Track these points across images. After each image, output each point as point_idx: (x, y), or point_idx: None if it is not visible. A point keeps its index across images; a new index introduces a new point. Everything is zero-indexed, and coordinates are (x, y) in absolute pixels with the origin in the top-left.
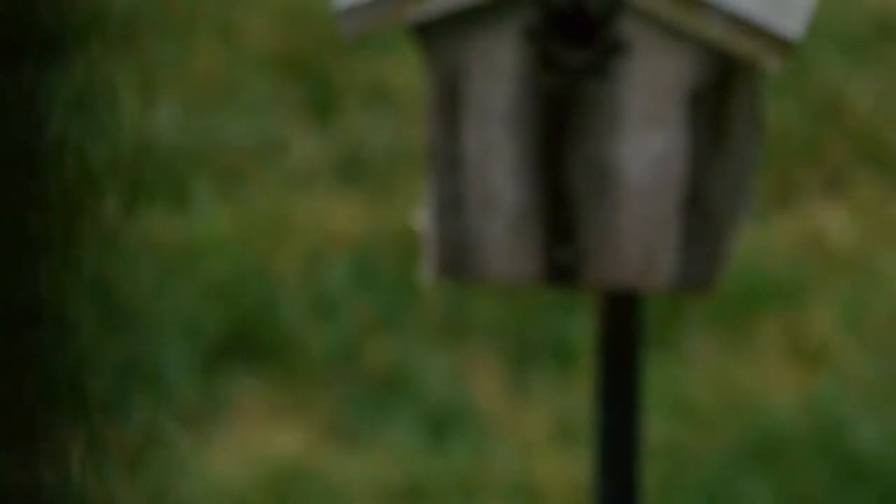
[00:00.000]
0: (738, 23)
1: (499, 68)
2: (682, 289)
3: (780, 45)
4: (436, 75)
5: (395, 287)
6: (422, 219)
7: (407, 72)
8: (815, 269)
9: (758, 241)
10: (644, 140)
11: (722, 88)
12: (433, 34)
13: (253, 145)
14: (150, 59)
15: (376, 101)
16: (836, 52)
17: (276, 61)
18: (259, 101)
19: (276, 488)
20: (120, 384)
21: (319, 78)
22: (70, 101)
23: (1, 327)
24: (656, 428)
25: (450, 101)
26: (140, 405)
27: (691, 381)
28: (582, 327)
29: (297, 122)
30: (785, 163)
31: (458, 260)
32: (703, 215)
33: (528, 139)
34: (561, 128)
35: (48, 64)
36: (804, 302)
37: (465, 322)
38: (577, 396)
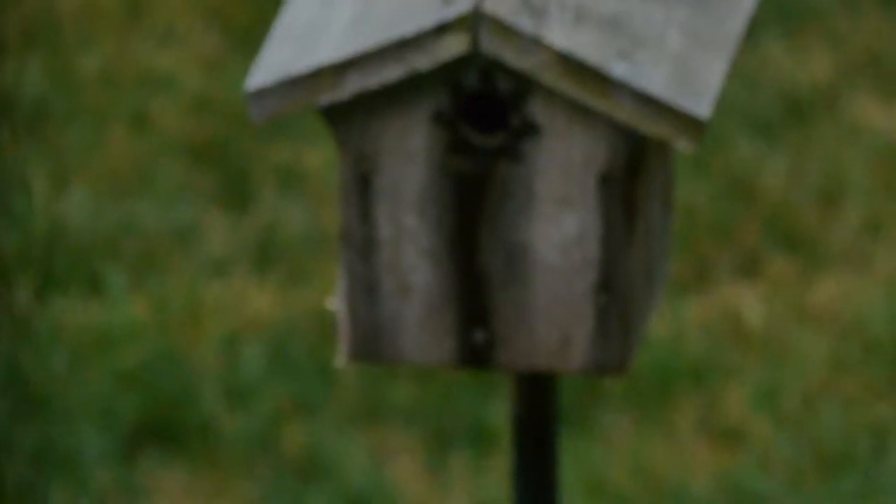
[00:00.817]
0: (647, 103)
1: (410, 152)
2: (597, 371)
3: (690, 125)
4: (348, 159)
5: (312, 371)
6: (337, 303)
7: (320, 156)
8: (729, 348)
9: (672, 321)
10: (556, 222)
11: (633, 169)
12: (344, 118)
13: (167, 231)
14: (61, 146)
15: (290, 186)
16: (747, 132)
17: (188, 148)
18: (172, 187)
19: None
20: (36, 472)
21: (232, 164)
22: None
23: None
24: None
25: (362, 186)
26: (57, 493)
27: (608, 460)
28: (499, 409)
29: (211, 208)
30: (698, 243)
31: (373, 343)
32: (617, 297)
33: (442, 222)
34: (474, 211)
35: None
36: (719, 381)
37: (382, 405)
38: (495, 478)
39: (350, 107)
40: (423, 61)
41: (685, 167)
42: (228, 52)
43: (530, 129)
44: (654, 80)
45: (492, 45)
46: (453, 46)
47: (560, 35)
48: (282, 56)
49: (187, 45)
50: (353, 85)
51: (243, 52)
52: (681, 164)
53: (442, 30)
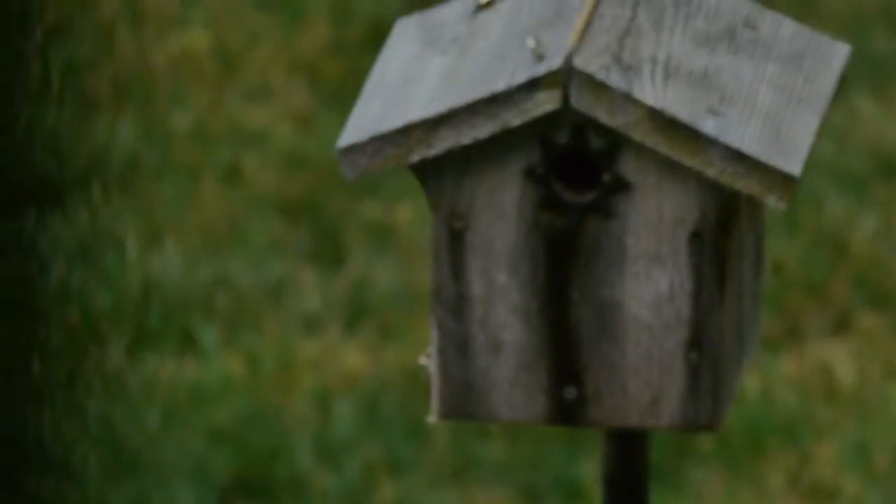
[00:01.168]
0: (738, 159)
1: (502, 208)
2: (688, 428)
3: (781, 181)
4: (440, 216)
5: (403, 428)
6: (428, 360)
7: (411, 212)
8: (820, 405)
9: (764, 378)
10: (648, 279)
11: (724, 226)
12: (436, 174)
13: (259, 287)
14: (154, 202)
15: (381, 243)
16: (837, 188)
17: (280, 204)
18: (264, 243)
19: None
20: None
21: (324, 220)
22: (72, 247)
23: (6, 474)
24: None
25: (454, 242)
26: None
27: None
28: (590, 465)
29: (303, 265)
30: (789, 300)
31: (464, 401)
32: (708, 354)
33: (533, 279)
34: (565, 267)
35: (50, 211)
36: (810, 438)
37: (472, 462)
38: None
39: (442, 163)
40: (514, 118)
41: (776, 224)
42: (320, 107)
43: (621, 186)
44: (745, 136)
45: (583, 102)
46: (545, 103)
47: (651, 91)
48: (373, 112)
49: (279, 101)
50: (445, 141)
51: (335, 107)
52: (772, 221)
53: (533, 86)
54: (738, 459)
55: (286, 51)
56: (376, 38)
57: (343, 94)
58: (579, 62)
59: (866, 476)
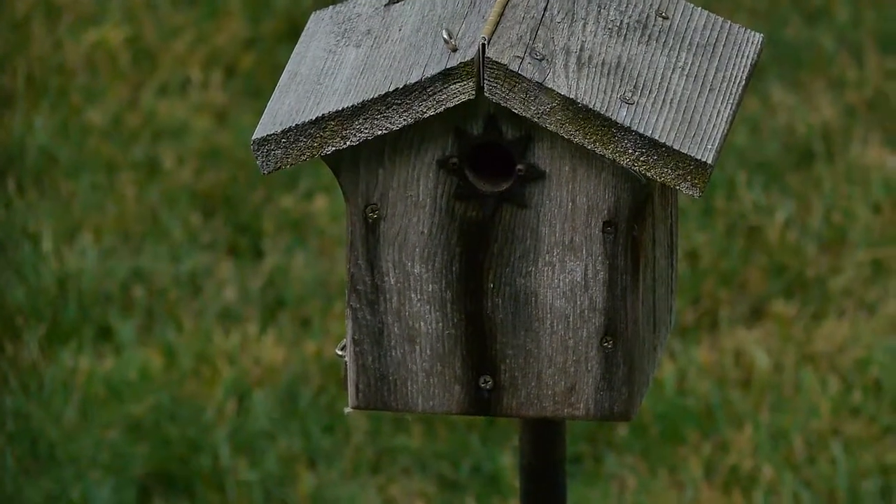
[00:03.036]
0: (651, 147)
1: (416, 199)
2: (603, 417)
3: (695, 169)
4: (354, 207)
5: (321, 419)
6: (344, 351)
7: (329, 203)
8: (736, 392)
9: (679, 366)
10: (562, 268)
11: (637, 215)
12: (350, 166)
13: (176, 281)
14: (69, 197)
15: (299, 235)
16: (752, 177)
17: (197, 197)
18: (181, 236)
19: None
20: None
21: (241, 212)
22: None
23: None
24: None
25: (368, 233)
26: None
27: (615, 503)
28: (508, 455)
29: (220, 257)
30: (704, 288)
31: (380, 392)
32: (622, 342)
33: (447, 270)
34: (479, 258)
35: None
36: (727, 425)
37: (391, 452)
38: None
39: (356, 154)
40: (428, 109)
41: (691, 212)
42: (237, 101)
43: (535, 176)
44: (658, 124)
45: (496, 92)
46: (458, 94)
47: (564, 81)
48: (288, 105)
49: (196, 95)
50: (360, 133)
51: (252, 101)
52: (687, 209)
53: (447, 77)
54: (654, 448)
55: (202, 45)
56: (292, 31)
57: (260, 88)
58: (493, 53)
59: (783, 463)
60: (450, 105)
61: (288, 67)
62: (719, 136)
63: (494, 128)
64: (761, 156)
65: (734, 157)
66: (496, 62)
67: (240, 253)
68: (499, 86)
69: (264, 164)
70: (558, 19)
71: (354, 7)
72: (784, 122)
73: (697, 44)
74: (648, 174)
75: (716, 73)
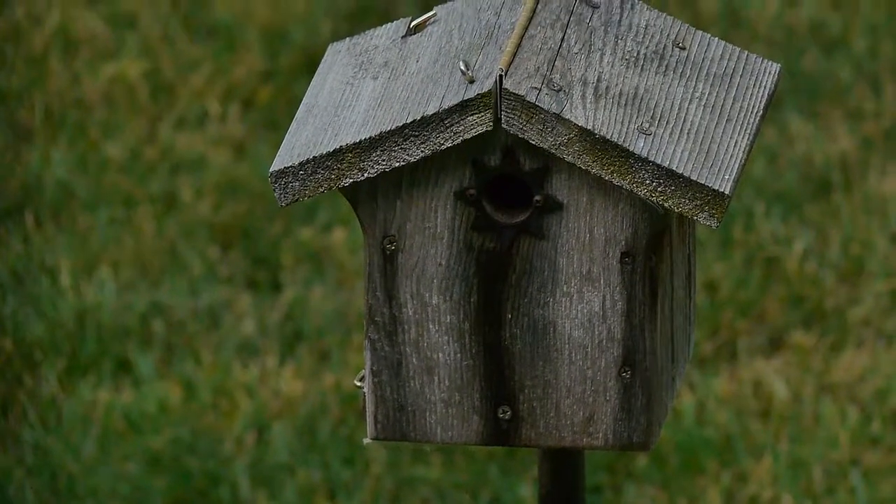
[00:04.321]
0: (668, 178)
1: (434, 230)
2: (622, 447)
3: (712, 199)
4: (372, 239)
5: (340, 451)
6: (362, 382)
7: (346, 237)
8: (755, 423)
9: (698, 396)
10: (580, 298)
11: (655, 246)
12: (368, 198)
13: (195, 314)
14: (88, 231)
15: (317, 268)
16: (770, 208)
17: (216, 230)
18: (200, 270)
19: None
20: None
21: (260, 245)
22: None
23: None
24: None
25: (386, 265)
26: None
27: None
28: (528, 485)
29: (239, 291)
30: (723, 319)
31: (398, 422)
32: (640, 373)
33: (465, 301)
34: (497, 288)
35: None
36: (746, 455)
37: (409, 484)
38: None
39: (374, 186)
40: (445, 140)
41: (710, 243)
42: (255, 134)
43: (553, 207)
44: (676, 155)
45: (514, 124)
46: (476, 125)
47: (581, 112)
48: (305, 137)
49: (214, 128)
50: (377, 165)
51: (270, 134)
52: (706, 240)
53: (464, 108)
54: (674, 478)
55: (220, 78)
56: (309, 65)
57: (277, 121)
58: (510, 84)
59: (802, 493)
60: (467, 136)
61: (305, 100)
62: (737, 166)
63: (512, 159)
64: (779, 186)
65: (752, 187)
66: (513, 93)
67: (258, 286)
68: (516, 117)
69: (282, 196)
70: (575, 50)
71: (371, 39)
72: (802, 153)
73: (714, 74)
74: (666, 205)
75: (733, 103)
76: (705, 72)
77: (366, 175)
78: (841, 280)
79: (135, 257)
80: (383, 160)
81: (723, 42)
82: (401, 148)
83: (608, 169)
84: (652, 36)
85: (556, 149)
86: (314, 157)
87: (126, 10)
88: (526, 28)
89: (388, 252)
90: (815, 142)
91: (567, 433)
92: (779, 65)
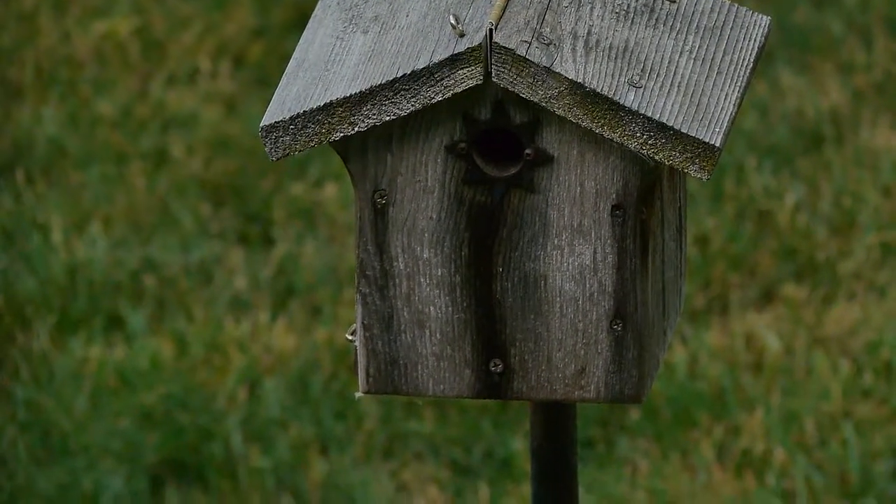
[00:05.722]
0: (659, 130)
1: (425, 184)
2: (613, 400)
3: (702, 152)
4: (362, 193)
5: (333, 406)
6: (354, 336)
7: (338, 193)
8: (747, 375)
9: (690, 349)
10: (571, 251)
11: (646, 198)
12: (358, 152)
13: (186, 270)
14: (79, 188)
15: (309, 222)
16: (762, 161)
17: (207, 186)
18: (191, 226)
19: None
20: None
21: (251, 201)
22: None
23: None
24: None
25: (377, 218)
26: None
27: (628, 489)
28: (520, 438)
29: (231, 246)
30: (715, 272)
31: (390, 376)
32: (632, 325)
33: (456, 254)
34: (488, 241)
35: None
36: (738, 408)
37: (402, 438)
38: None
39: (364, 140)
40: (436, 94)
41: (701, 197)
42: (246, 90)
43: (544, 160)
44: (666, 108)
45: (504, 77)
46: (466, 79)
47: (572, 65)
48: (296, 91)
49: (205, 85)
50: (368, 119)
51: (261, 90)
52: (697, 194)
53: (455, 62)
54: (666, 431)
55: (211, 35)
56: (300, 20)
57: (268, 77)
58: (500, 38)
59: (794, 446)
60: (457, 90)
61: (295, 54)
62: (727, 119)
63: (502, 113)
64: (771, 140)
65: (744, 141)
66: (504, 47)
67: (250, 241)
68: (506, 71)
69: (273, 150)
70: (565, 4)
71: None
72: (793, 107)
73: (705, 27)
74: (656, 157)
75: (723, 56)
76: (695, 25)
77: (356, 129)
78: (832, 233)
79: (126, 214)
80: (374, 114)
81: None
82: (391, 102)
83: (598, 122)
84: None
85: (547, 102)
86: (304, 111)
87: None
88: None
89: (378, 206)
90: (807, 95)
91: (559, 386)
92: (769, 18)
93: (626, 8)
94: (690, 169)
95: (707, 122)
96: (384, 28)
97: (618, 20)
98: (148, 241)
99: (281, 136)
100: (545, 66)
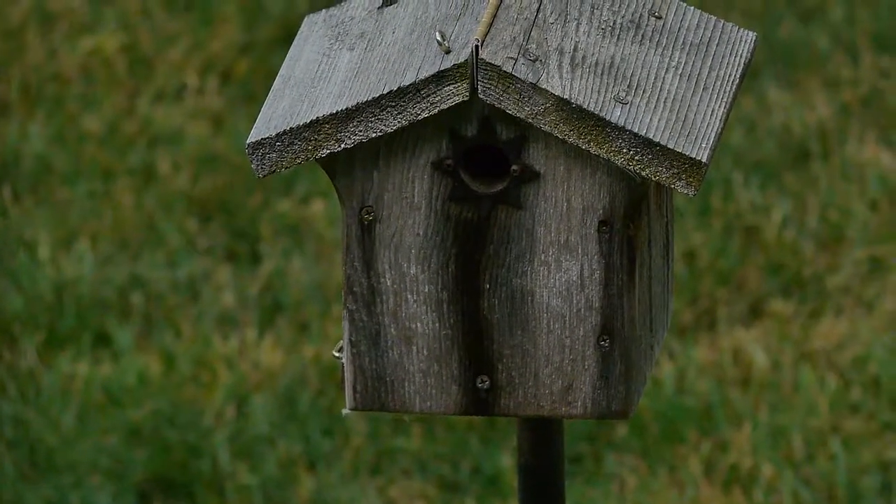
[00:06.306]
0: (646, 146)
1: (411, 200)
2: (601, 416)
3: (689, 167)
4: (349, 209)
5: (320, 423)
6: (341, 353)
7: (325, 209)
8: (735, 391)
9: (678, 365)
10: (558, 268)
11: (633, 214)
12: (346, 169)
13: (173, 287)
14: (66, 204)
15: (295, 239)
16: (748, 176)
17: (194, 203)
18: (178, 242)
19: None
20: None
21: (238, 218)
22: None
23: None
24: None
25: (364, 235)
26: None
27: (615, 502)
28: (507, 454)
29: (218, 263)
30: (702, 287)
31: (377, 392)
32: (619, 341)
33: (443, 271)
34: (475, 258)
35: None
36: (726, 424)
37: (390, 455)
38: None
39: (351, 157)
40: (422, 111)
41: (688, 212)
42: (233, 107)
43: (530, 176)
44: (652, 124)
45: (491, 93)
46: (453, 95)
47: (558, 81)
48: (282, 108)
49: (192, 101)
50: (354, 136)
51: (248, 106)
52: (684, 210)
53: (441, 79)
54: (654, 447)
55: (197, 51)
56: (287, 37)
57: (255, 94)
58: (486, 54)
59: (782, 461)
60: (444, 107)
61: (282, 71)
62: (714, 134)
63: (489, 129)
64: (757, 155)
65: (730, 156)
66: (490, 63)
67: (237, 258)
68: (493, 87)
69: (259, 167)
70: (551, 20)
71: (348, 10)
72: (780, 122)
73: (691, 43)
74: (643, 173)
75: (709, 72)
76: (681, 41)
77: (343, 146)
78: (820, 248)
79: (113, 230)
80: (360, 131)
81: (699, 11)
82: (378, 119)
83: (585, 138)
84: (628, 5)
85: (533, 118)
86: (291, 128)
87: None
88: None
89: (365, 223)
90: (793, 110)
91: (546, 402)
92: (755, 33)
93: (612, 24)
94: (677, 184)
95: (693, 138)
96: (370, 45)
97: (604, 36)
98: (135, 257)
99: (267, 153)
100: (531, 83)
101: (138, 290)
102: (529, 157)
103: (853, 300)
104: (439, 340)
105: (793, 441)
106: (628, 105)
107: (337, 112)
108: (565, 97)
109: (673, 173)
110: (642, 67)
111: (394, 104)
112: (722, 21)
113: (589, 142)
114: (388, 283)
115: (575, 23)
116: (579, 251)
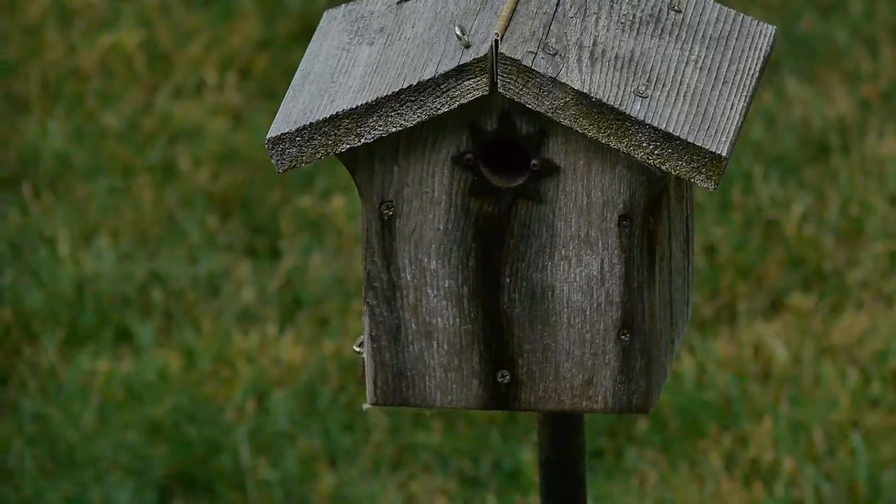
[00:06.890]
0: (666, 140)
1: (431, 195)
2: (621, 410)
3: (709, 161)
4: (369, 205)
5: (341, 419)
6: (361, 348)
7: (345, 204)
8: (756, 385)
9: (699, 359)
10: (578, 262)
11: (653, 208)
12: (365, 164)
13: (194, 282)
14: (86, 201)
15: (316, 234)
16: (769, 170)
17: (215, 198)
18: (199, 238)
19: None
20: None
21: (259, 213)
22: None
23: None
24: None
25: (384, 230)
26: None
27: (636, 499)
28: (529, 449)
29: (238, 258)
30: (723, 282)
31: (398, 387)
32: (639, 336)
33: (463, 265)
34: (496, 252)
35: None
36: (746, 418)
37: (410, 450)
38: None
39: (371, 152)
40: (442, 105)
41: (709, 207)
42: (252, 102)
43: (550, 170)
44: (672, 117)
45: (510, 88)
46: (472, 90)
47: (578, 75)
48: (302, 103)
49: (211, 97)
50: (374, 130)
51: (267, 102)
52: (705, 204)
53: (461, 73)
54: (675, 442)
55: (217, 47)
56: (306, 32)
57: (275, 89)
58: (506, 49)
59: (803, 455)
60: (464, 101)
61: (301, 66)
62: (733, 128)
63: (509, 123)
64: (777, 149)
65: (750, 151)
66: (509, 58)
67: (257, 254)
68: (512, 81)
69: (279, 162)
70: (571, 14)
71: (367, 5)
72: (799, 116)
73: (710, 37)
74: (663, 167)
75: (729, 65)
76: (701, 34)
77: (363, 141)
78: (840, 242)
79: (133, 226)
80: (380, 125)
81: (718, 5)
82: (397, 113)
83: (605, 132)
84: None
85: (553, 112)
86: (311, 123)
87: None
88: None
89: (385, 217)
90: (813, 105)
91: (566, 396)
92: (774, 27)
93: (631, 18)
94: (697, 178)
95: (713, 132)
96: (390, 39)
97: (623, 30)
98: (155, 253)
99: (287, 148)
100: (551, 77)
101: (158, 286)
102: (549, 151)
103: (873, 294)
104: (459, 335)
105: (813, 435)
106: (648, 99)
107: (357, 107)
108: (585, 91)
109: (693, 167)
110: (662, 61)
111: (413, 99)
112: (741, 15)
113: (609, 136)
114: (409, 278)
115: (594, 17)
116: (599, 245)
